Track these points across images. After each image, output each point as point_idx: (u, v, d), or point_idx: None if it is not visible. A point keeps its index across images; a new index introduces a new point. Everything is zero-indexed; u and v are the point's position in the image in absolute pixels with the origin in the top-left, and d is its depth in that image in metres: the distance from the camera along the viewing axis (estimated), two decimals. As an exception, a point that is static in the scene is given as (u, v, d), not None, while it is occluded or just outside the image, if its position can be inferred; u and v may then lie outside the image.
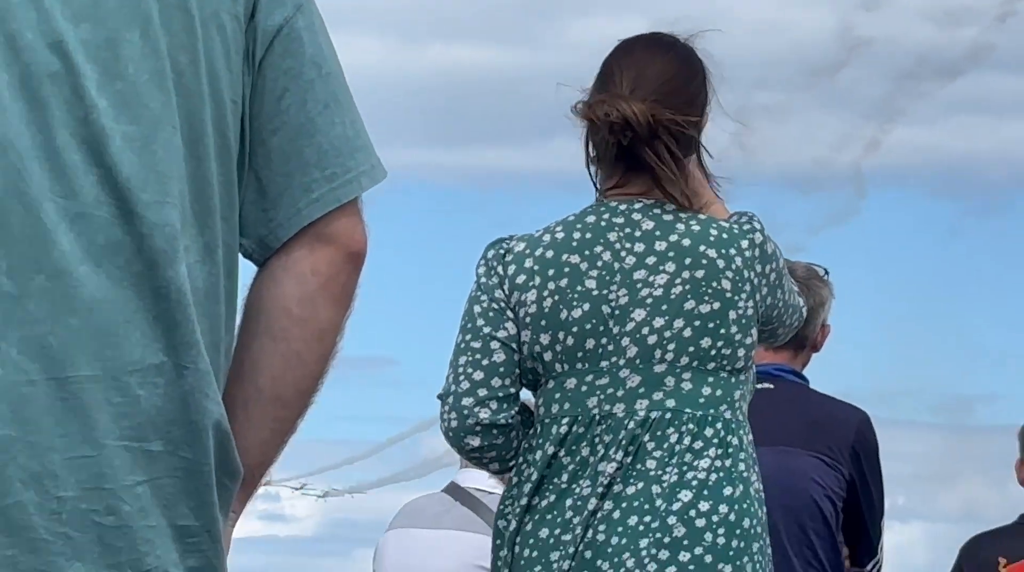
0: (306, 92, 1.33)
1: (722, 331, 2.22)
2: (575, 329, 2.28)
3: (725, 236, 2.20)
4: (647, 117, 2.15)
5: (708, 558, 2.12)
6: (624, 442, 2.16)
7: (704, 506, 2.16)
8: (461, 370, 2.33)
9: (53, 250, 1.10)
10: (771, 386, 2.69)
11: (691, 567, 2.13)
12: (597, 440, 2.25)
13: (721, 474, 2.19)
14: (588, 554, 2.20)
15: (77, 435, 1.10)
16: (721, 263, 2.23)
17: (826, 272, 3.41)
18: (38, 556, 1.08)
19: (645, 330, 2.24)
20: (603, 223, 2.29)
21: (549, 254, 2.34)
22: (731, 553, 2.12)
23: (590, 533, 2.17)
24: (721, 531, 2.11)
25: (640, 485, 2.16)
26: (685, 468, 2.15)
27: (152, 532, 1.15)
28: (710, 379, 2.26)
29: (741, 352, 2.24)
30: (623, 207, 2.26)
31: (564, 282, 2.32)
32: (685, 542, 2.13)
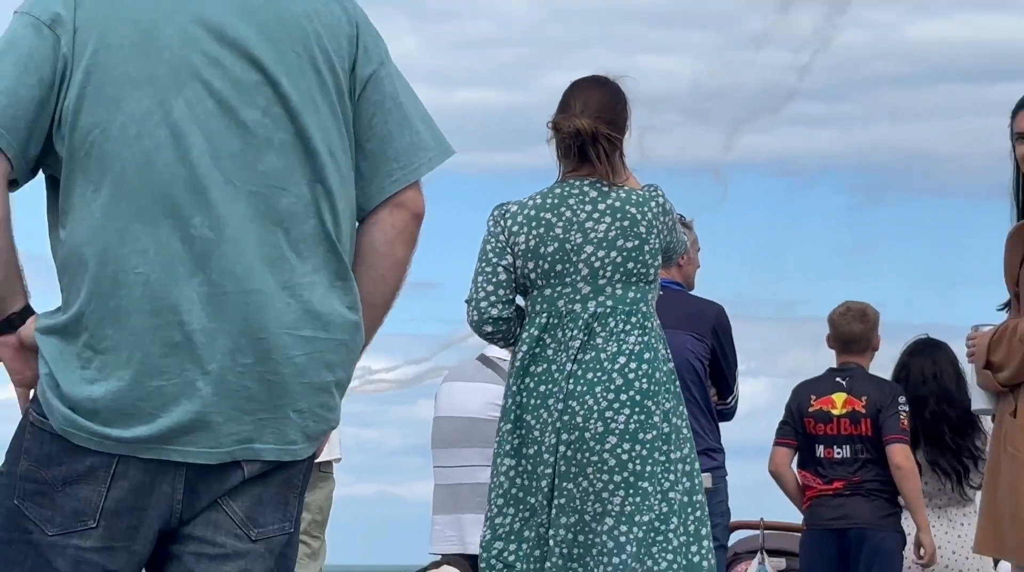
0: (387, 115, 1.89)
1: (640, 258, 3.27)
2: (549, 258, 3.32)
3: (641, 199, 3.28)
4: (591, 129, 3.20)
5: (637, 396, 3.20)
6: (583, 326, 3.24)
7: (633, 365, 3.22)
8: (479, 285, 3.37)
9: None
10: (662, 292, 3.65)
11: (627, 402, 3.20)
12: (566, 327, 3.31)
13: (642, 345, 3.24)
14: (568, 400, 3.26)
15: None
16: (639, 216, 3.28)
17: (691, 220, 4.67)
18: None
19: (592, 259, 3.28)
20: (564, 193, 3.34)
21: (532, 213, 3.38)
22: (650, 392, 3.22)
23: (568, 385, 3.23)
24: (644, 380, 3.19)
25: (593, 354, 3.22)
26: (620, 342, 3.22)
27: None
28: (633, 288, 3.31)
29: (652, 271, 3.30)
30: (577, 183, 3.30)
31: (542, 230, 3.35)
32: (623, 387, 3.21)
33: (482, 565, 3.48)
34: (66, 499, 2.04)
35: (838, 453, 4.75)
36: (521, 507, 3.40)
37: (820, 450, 4.79)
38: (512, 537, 3.43)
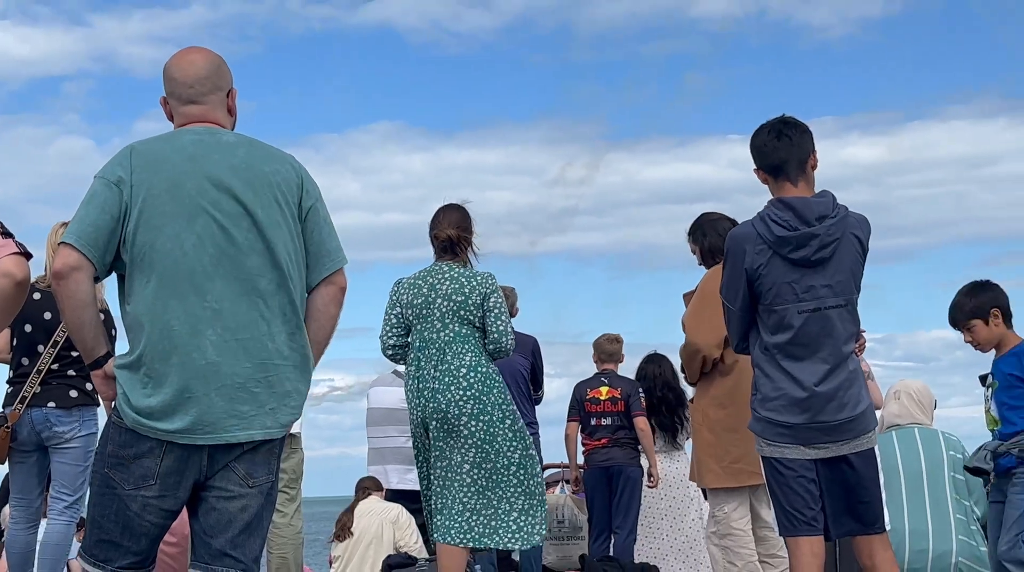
0: (321, 230, 2.65)
1: (466, 307, 4.37)
2: (419, 307, 4.39)
3: (470, 275, 4.39)
4: (456, 236, 4.37)
5: (474, 392, 4.26)
6: (439, 348, 4.32)
7: (471, 373, 4.28)
8: (384, 326, 4.50)
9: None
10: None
11: (469, 396, 4.24)
12: (430, 349, 4.34)
13: (475, 360, 4.31)
14: (435, 394, 4.30)
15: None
16: (468, 285, 4.34)
17: (512, 289, 6.11)
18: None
19: (443, 307, 4.33)
20: (435, 270, 4.40)
21: (413, 290, 4.44)
22: (483, 389, 4.29)
23: (434, 385, 4.31)
24: (477, 382, 4.29)
25: (445, 366, 4.30)
26: (461, 358, 4.30)
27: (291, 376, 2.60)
28: (465, 326, 4.34)
29: (475, 317, 4.42)
30: (443, 265, 4.41)
31: (415, 290, 4.42)
32: (466, 386, 4.27)
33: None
34: (136, 468, 2.62)
35: (604, 422, 6.32)
36: (420, 459, 4.59)
37: (593, 421, 6.35)
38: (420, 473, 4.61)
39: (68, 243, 2.64)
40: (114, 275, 2.77)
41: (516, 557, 6.05)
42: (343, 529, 5.56)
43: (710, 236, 4.83)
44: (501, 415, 4.38)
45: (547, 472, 6.86)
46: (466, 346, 4.40)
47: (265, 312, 2.69)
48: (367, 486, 5.86)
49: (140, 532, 2.73)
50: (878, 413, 4.54)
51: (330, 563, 5.89)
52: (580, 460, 6.56)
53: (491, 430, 4.38)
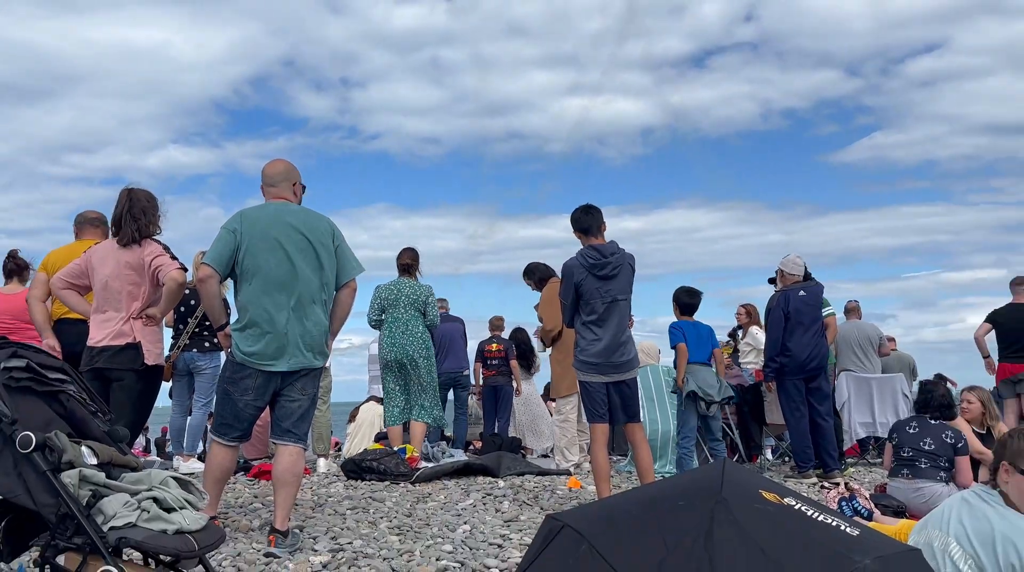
0: (344, 257, 4.31)
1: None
2: (390, 304, 7.46)
3: (424, 286, 8.65)
4: (410, 263, 8.14)
5: (420, 345, 8.68)
6: (403, 323, 8.10)
7: (421, 337, 7.47)
8: (370, 311, 7.33)
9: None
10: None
11: (420, 348, 8.47)
12: (396, 324, 7.75)
13: (423, 329, 7.63)
14: (405, 347, 7.64)
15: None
16: (419, 293, 8.83)
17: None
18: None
19: (407, 306, 7.73)
20: (400, 282, 7.64)
21: (387, 291, 7.50)
22: (425, 344, 8.33)
23: (404, 340, 8.01)
24: (423, 341, 8.63)
25: (408, 332, 8.25)
26: (415, 328, 8.56)
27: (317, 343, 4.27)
28: (416, 312, 8.03)
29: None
30: (406, 280, 7.93)
31: (391, 296, 7.54)
32: (419, 342, 8.25)
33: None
34: (243, 384, 4.16)
35: (493, 362, 9.99)
36: (392, 381, 7.61)
37: (488, 361, 9.98)
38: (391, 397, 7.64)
39: (207, 263, 4.04)
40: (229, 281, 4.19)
41: (448, 433, 9.25)
42: (353, 417, 8.61)
43: (538, 273, 7.93)
44: (430, 356, 7.25)
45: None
46: (416, 322, 7.26)
47: (312, 305, 4.12)
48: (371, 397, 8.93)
49: (243, 418, 4.16)
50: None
51: (346, 436, 8.81)
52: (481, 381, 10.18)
53: (428, 364, 7.23)
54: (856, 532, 1.56)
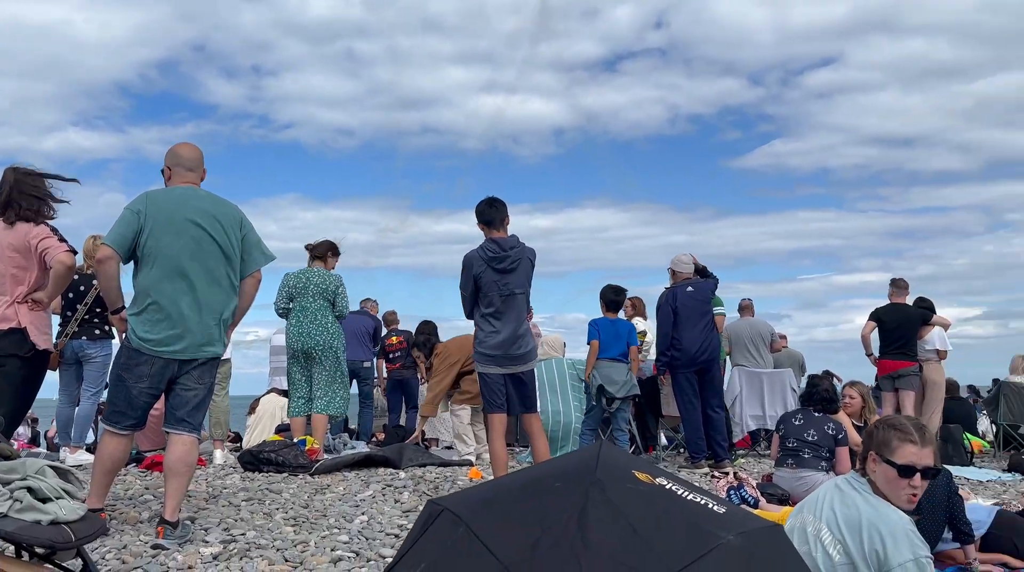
0: (251, 246, 4.20)
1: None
2: (299, 293, 7.57)
3: (333, 276, 8.39)
4: (324, 253, 7.97)
5: (329, 335, 8.42)
6: (311, 313, 8.05)
7: (330, 326, 8.27)
8: (278, 299, 6.99)
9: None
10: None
11: (329, 337, 8.22)
12: (305, 313, 7.47)
13: (332, 318, 8.49)
14: (309, 333, 7.75)
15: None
16: (328, 282, 8.31)
17: None
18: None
19: (315, 294, 7.62)
20: (309, 271, 7.80)
21: (296, 279, 7.15)
22: (335, 333, 8.60)
23: (309, 326, 7.87)
24: (332, 330, 8.48)
25: (315, 321, 8.06)
26: (325, 318, 7.90)
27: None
28: (326, 302, 8.35)
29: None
30: (316, 269, 7.91)
31: (299, 284, 7.25)
32: (327, 332, 8.17)
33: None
34: (138, 371, 3.98)
35: (397, 355, 9.87)
36: (298, 371, 7.47)
37: (391, 354, 9.84)
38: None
39: (107, 244, 3.88)
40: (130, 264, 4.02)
41: (353, 425, 9.14)
42: (253, 409, 8.42)
43: (428, 342, 8.16)
44: (337, 346, 7.06)
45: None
46: (325, 311, 7.06)
47: (216, 291, 4.03)
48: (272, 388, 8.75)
49: (138, 406, 4.02)
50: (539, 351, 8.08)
51: (246, 428, 8.61)
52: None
53: (335, 354, 7.03)
54: (723, 510, 1.62)
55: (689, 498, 1.62)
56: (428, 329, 8.94)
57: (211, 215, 4.04)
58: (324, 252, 7.30)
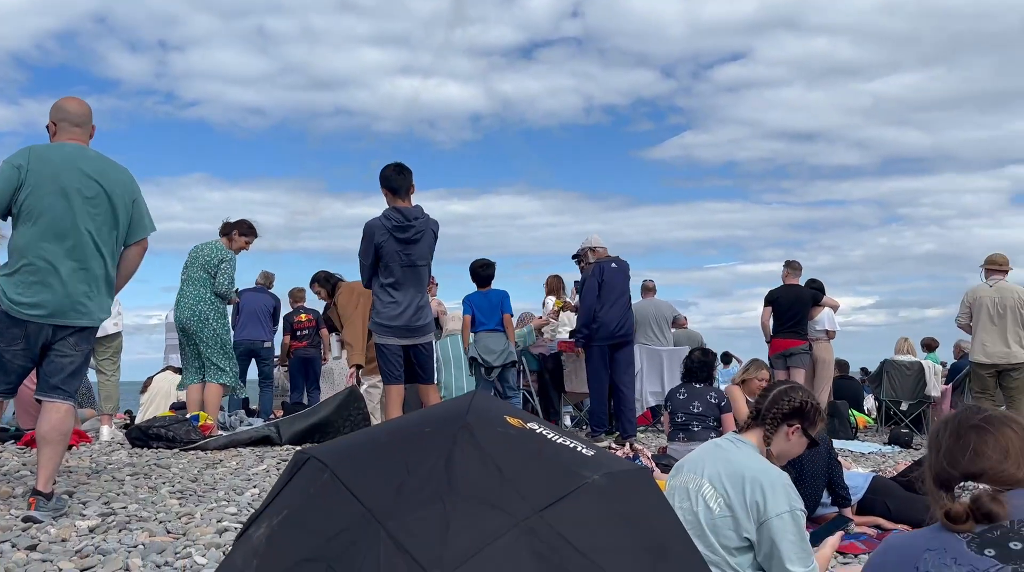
0: (141, 214, 4.00)
1: None
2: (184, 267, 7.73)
3: (222, 250, 8.18)
4: (225, 229, 7.73)
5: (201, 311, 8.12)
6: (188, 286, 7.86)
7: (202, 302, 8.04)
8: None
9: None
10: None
11: (203, 312, 8.20)
12: (183, 287, 7.73)
13: (209, 295, 8.18)
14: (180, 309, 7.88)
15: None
16: (216, 257, 8.54)
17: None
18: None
19: (193, 269, 7.78)
20: (204, 246, 7.57)
21: (192, 253, 7.63)
22: (215, 310, 8.34)
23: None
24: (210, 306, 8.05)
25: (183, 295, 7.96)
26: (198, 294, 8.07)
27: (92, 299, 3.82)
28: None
29: None
30: (213, 243, 7.77)
31: (187, 260, 7.37)
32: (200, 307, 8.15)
33: None
34: (9, 333, 3.78)
35: (304, 333, 9.62)
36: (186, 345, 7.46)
37: (298, 333, 9.61)
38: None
39: None
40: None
41: (253, 405, 8.93)
42: (146, 387, 8.12)
43: (328, 281, 7.82)
44: (209, 319, 6.66)
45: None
46: (201, 285, 6.71)
47: (97, 254, 3.79)
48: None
49: (11, 371, 3.87)
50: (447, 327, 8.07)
51: (139, 406, 8.31)
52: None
53: (209, 327, 6.65)
54: (591, 453, 1.62)
55: (558, 441, 1.61)
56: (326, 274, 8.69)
57: (101, 176, 3.82)
58: (230, 230, 7.05)
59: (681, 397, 6.40)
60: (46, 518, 3.69)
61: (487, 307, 7.67)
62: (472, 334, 7.81)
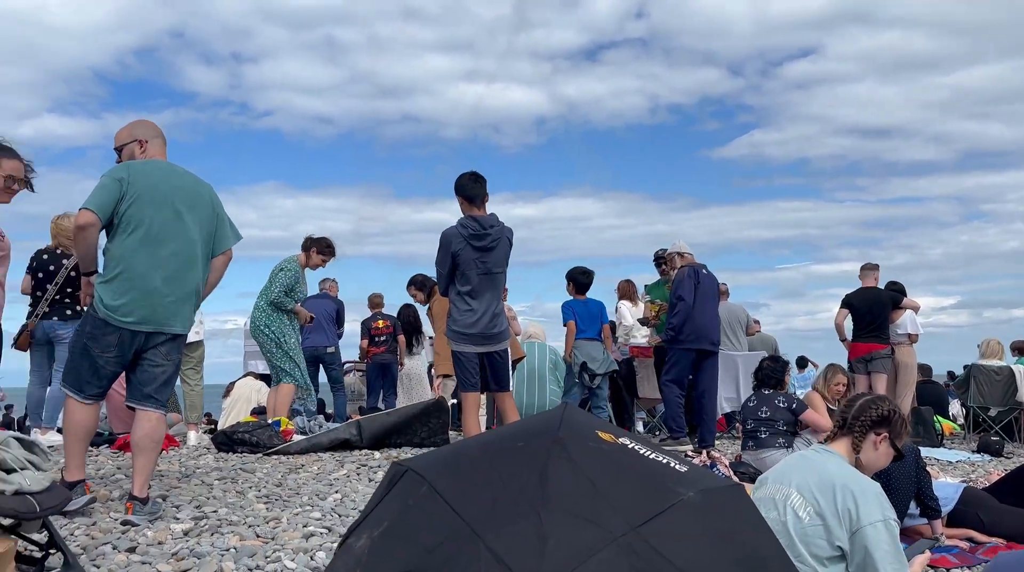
0: (224, 225, 4.25)
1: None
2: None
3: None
4: (309, 245, 7.94)
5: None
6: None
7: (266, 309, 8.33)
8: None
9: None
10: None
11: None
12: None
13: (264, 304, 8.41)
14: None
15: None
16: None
17: None
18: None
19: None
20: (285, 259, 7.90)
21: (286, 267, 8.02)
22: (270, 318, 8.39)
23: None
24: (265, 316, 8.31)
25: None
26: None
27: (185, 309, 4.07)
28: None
29: None
30: (288, 258, 7.99)
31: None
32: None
33: None
34: (104, 340, 3.93)
35: (382, 338, 9.76)
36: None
37: (376, 338, 9.73)
38: None
39: (89, 209, 3.82)
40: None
41: (328, 410, 9.12)
42: (228, 392, 8.38)
43: (425, 285, 8.00)
44: (262, 325, 7.07)
45: (345, 365, 10.26)
46: (264, 295, 7.13)
47: (191, 267, 4.04)
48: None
49: (104, 376, 4.00)
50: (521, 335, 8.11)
51: (221, 411, 8.58)
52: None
53: (267, 334, 7.05)
54: (685, 469, 1.63)
55: (651, 457, 1.63)
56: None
57: (192, 191, 4.06)
58: (309, 246, 7.34)
59: (751, 405, 6.44)
60: (143, 521, 3.85)
61: (587, 316, 7.78)
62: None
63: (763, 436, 6.16)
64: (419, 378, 9.96)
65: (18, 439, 2.79)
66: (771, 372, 6.48)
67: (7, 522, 2.73)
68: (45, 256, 6.83)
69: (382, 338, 9.68)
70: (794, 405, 6.22)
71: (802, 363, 15.80)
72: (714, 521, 1.53)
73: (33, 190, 4.12)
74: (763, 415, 6.24)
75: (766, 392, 6.40)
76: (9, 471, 2.61)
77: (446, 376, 7.45)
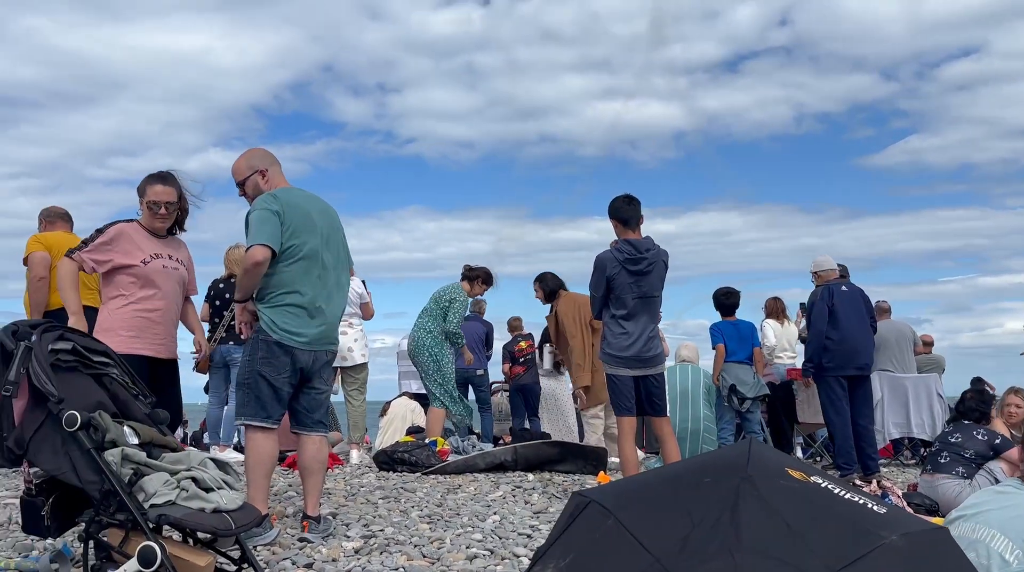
0: (347, 246, 4.33)
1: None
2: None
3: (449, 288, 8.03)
4: (469, 274, 8.09)
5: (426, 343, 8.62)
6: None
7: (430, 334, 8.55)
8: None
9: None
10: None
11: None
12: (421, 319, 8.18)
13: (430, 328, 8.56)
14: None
15: None
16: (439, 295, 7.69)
17: None
18: None
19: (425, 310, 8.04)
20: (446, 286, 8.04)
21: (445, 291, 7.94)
22: (433, 343, 8.77)
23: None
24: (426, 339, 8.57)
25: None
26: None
27: None
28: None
29: None
30: (450, 285, 7.90)
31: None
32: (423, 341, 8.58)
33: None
34: (279, 363, 4.00)
35: (523, 359, 9.82)
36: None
37: (520, 359, 9.82)
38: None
39: (267, 245, 3.91)
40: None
41: (476, 429, 9.30)
42: (384, 411, 8.71)
43: (549, 284, 7.79)
44: (424, 352, 7.21)
45: (493, 386, 10.36)
46: (432, 319, 7.27)
47: (341, 286, 4.25)
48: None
49: (282, 399, 4.06)
50: (669, 357, 8.00)
51: (378, 430, 8.92)
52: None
53: (427, 360, 7.19)
54: (883, 510, 1.57)
55: (846, 497, 1.58)
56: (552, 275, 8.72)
57: (330, 216, 4.20)
58: (474, 275, 7.53)
59: (947, 431, 6.18)
60: (317, 539, 4.08)
61: (737, 338, 7.62)
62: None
63: (943, 460, 5.81)
64: (564, 398, 9.66)
65: (213, 460, 3.02)
66: (975, 405, 6.17)
67: (205, 537, 2.95)
68: (221, 285, 7.30)
69: (524, 358, 9.65)
70: (997, 440, 5.76)
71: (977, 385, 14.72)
72: (919, 566, 1.47)
73: (184, 215, 4.40)
74: (953, 440, 5.91)
75: (966, 423, 6.08)
76: (207, 490, 2.83)
77: (585, 388, 7.42)
